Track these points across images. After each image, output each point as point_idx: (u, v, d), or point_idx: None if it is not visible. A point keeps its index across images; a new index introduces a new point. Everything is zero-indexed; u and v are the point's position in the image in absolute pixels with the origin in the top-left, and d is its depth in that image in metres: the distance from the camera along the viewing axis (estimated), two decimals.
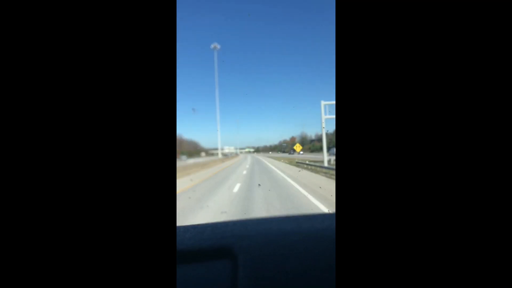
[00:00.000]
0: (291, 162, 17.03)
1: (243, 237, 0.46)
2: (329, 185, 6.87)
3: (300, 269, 0.38)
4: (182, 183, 8.55)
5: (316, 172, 10.79)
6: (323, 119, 11.84)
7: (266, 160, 24.66)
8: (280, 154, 42.68)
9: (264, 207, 4.68)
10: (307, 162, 13.80)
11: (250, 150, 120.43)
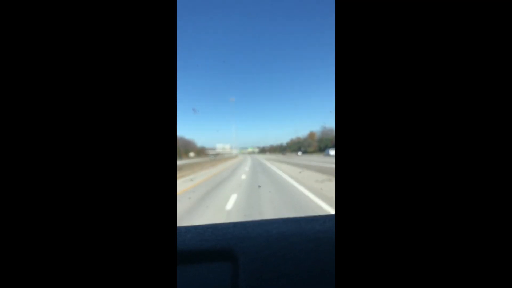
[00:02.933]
0: None
1: (243, 239, 0.47)
2: None
3: (301, 271, 0.38)
4: None
5: None
6: None
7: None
8: (280, 157, 36.82)
9: None
10: None
11: (255, 151, 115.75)
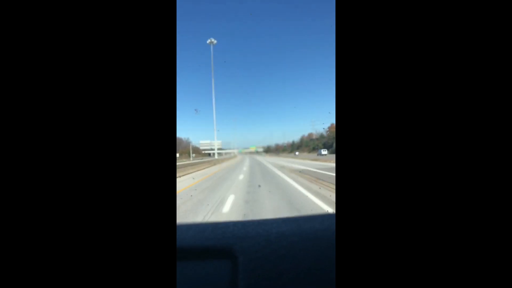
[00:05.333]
0: None
1: (243, 238, 0.47)
2: None
3: (300, 270, 0.39)
4: None
5: None
6: None
7: None
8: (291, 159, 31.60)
9: None
10: None
11: (259, 150, 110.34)
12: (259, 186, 6.80)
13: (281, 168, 13.82)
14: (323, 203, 4.59)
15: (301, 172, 10.34)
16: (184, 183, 8.28)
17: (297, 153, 62.22)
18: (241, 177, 9.58)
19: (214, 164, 18.99)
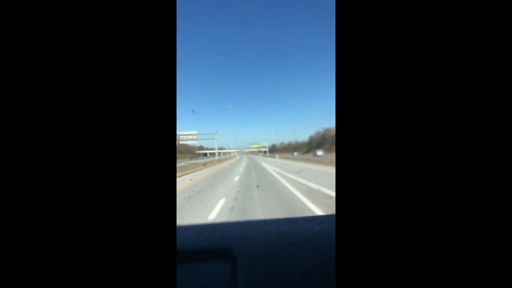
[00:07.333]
0: None
1: (242, 238, 0.47)
2: None
3: (299, 271, 0.38)
4: None
5: None
6: None
7: None
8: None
9: None
10: None
11: (262, 150, 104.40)
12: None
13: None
14: None
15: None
16: None
17: (295, 153, 58.08)
18: None
19: None
